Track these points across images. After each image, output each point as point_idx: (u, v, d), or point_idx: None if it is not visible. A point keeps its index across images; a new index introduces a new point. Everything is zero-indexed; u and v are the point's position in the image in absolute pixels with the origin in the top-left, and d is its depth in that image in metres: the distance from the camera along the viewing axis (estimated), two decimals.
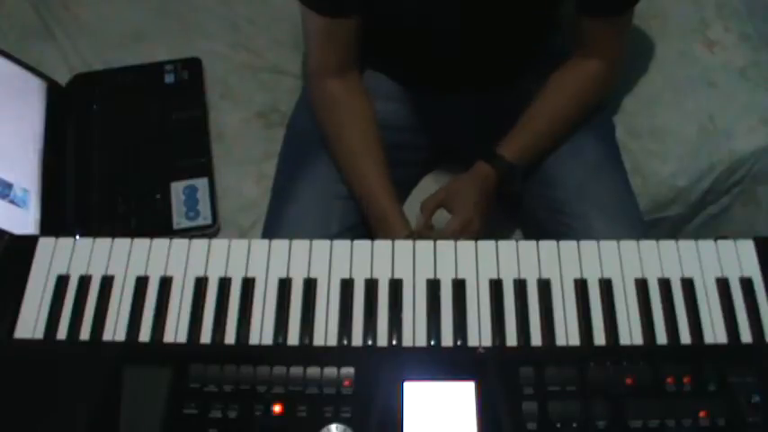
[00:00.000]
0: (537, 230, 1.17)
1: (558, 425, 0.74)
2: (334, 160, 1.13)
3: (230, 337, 0.80)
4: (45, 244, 0.86)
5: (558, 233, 1.10)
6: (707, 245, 0.85)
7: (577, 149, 1.14)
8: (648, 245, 0.85)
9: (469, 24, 1.06)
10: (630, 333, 0.80)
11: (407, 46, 1.13)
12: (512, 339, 0.80)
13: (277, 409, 0.75)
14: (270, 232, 1.13)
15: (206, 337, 0.80)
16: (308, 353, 0.79)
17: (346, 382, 0.76)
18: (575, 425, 0.74)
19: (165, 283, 0.83)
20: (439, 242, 0.86)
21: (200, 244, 0.86)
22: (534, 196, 1.15)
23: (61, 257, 0.85)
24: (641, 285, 0.83)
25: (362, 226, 1.13)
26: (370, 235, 1.12)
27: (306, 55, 1.16)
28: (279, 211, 1.14)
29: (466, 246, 0.85)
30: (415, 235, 1.07)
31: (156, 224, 1.20)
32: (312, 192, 1.12)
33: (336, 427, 0.74)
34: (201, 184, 1.23)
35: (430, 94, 1.19)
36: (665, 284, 0.83)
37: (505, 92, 1.19)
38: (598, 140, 1.17)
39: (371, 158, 1.11)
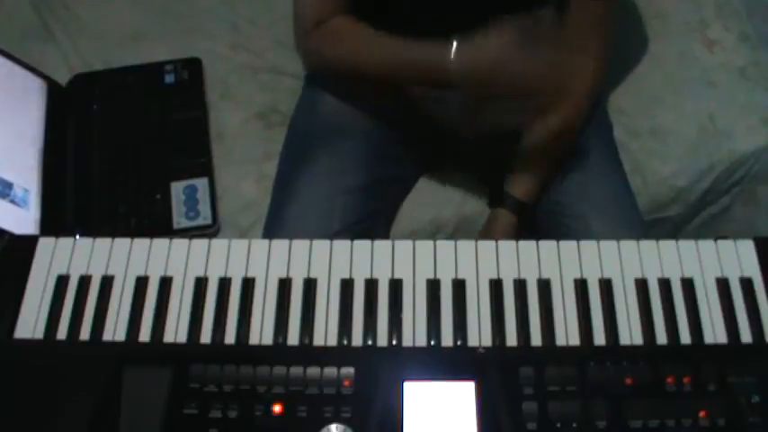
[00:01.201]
0: (536, 231, 1.17)
1: (558, 425, 0.74)
2: (361, 80, 1.09)
3: (230, 337, 0.80)
4: (45, 244, 0.86)
5: (557, 234, 1.10)
6: (707, 245, 0.85)
7: (576, 151, 1.14)
8: (648, 245, 0.85)
9: (468, 21, 1.06)
10: (630, 333, 0.80)
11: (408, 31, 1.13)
12: (512, 339, 0.80)
13: (277, 409, 0.75)
14: (271, 230, 1.13)
15: (206, 337, 0.80)
16: (308, 353, 0.79)
17: (346, 382, 0.76)
18: (575, 425, 0.74)
19: (165, 283, 0.83)
20: (439, 242, 0.86)
21: (200, 244, 0.86)
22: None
23: (61, 257, 0.85)
24: (641, 285, 0.83)
25: (365, 221, 1.13)
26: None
27: (296, 11, 1.14)
28: (280, 209, 1.14)
29: (466, 246, 0.85)
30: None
31: (156, 224, 1.20)
32: (313, 189, 1.12)
33: (336, 427, 0.74)
34: (201, 184, 1.23)
35: (430, 90, 1.18)
36: (665, 284, 0.83)
37: None
38: (597, 141, 1.17)
39: (397, 42, 1.04)
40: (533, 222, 1.14)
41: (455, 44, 0.97)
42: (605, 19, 1.09)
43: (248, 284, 0.83)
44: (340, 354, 0.79)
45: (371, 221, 1.15)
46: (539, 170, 1.12)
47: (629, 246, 0.85)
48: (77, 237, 0.87)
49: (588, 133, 1.16)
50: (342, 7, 1.10)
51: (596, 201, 1.11)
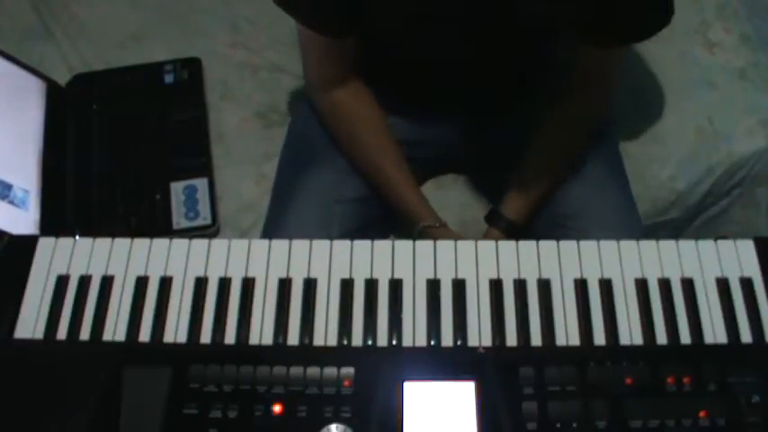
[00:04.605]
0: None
1: (558, 425, 0.74)
2: (351, 163, 1.14)
3: (230, 337, 0.80)
4: (45, 244, 0.86)
5: None
6: (707, 245, 0.85)
7: (580, 166, 1.13)
8: (648, 245, 0.85)
9: (469, 55, 1.06)
10: (630, 333, 0.80)
11: (407, 75, 1.13)
12: (512, 339, 0.80)
13: (277, 409, 0.75)
14: (269, 236, 1.13)
15: (206, 337, 0.80)
16: (308, 353, 0.79)
17: (346, 382, 0.76)
18: (575, 425, 0.74)
19: (165, 283, 0.83)
20: (439, 242, 0.86)
21: (200, 244, 0.86)
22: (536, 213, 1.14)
23: (61, 257, 0.85)
24: (641, 285, 0.83)
25: (363, 230, 1.13)
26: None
27: (303, 67, 1.15)
28: (279, 215, 1.14)
29: (466, 246, 0.85)
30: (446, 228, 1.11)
31: (156, 224, 1.20)
32: (312, 196, 1.12)
33: (336, 427, 0.74)
34: (201, 184, 1.23)
35: (429, 112, 1.18)
36: (665, 284, 0.83)
37: (506, 112, 1.19)
38: (600, 154, 1.15)
39: (389, 158, 1.11)
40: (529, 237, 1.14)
41: (421, 227, 1.09)
42: (615, 64, 1.08)
43: (248, 284, 0.83)
44: (340, 354, 0.79)
45: (370, 229, 1.15)
46: (535, 190, 1.11)
47: (629, 246, 0.85)
48: (77, 237, 0.86)
49: (593, 147, 1.14)
50: (346, 70, 1.10)
51: (599, 216, 1.10)
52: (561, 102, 1.10)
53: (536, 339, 0.80)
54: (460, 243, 0.85)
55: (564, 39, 1.08)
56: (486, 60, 1.06)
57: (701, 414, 0.74)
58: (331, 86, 1.11)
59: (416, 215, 1.11)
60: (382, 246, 0.85)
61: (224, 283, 0.83)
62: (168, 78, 1.33)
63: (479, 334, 0.80)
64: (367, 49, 1.08)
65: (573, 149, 1.12)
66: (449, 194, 1.25)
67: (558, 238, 1.08)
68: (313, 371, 0.77)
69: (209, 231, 1.20)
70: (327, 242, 0.86)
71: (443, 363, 0.78)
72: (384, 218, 1.19)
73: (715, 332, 0.80)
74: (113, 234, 0.87)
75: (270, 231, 1.14)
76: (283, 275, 0.84)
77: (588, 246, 0.85)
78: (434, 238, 1.08)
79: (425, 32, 1.02)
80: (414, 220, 1.11)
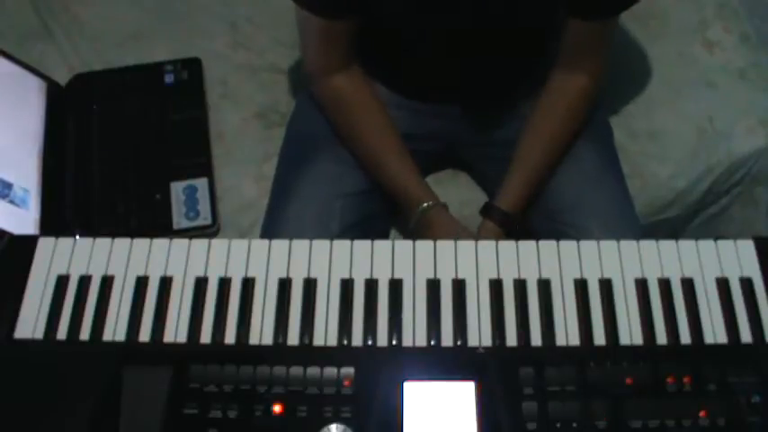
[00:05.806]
0: (534, 239, 1.16)
1: (558, 425, 0.74)
2: (351, 153, 1.14)
3: (230, 337, 0.80)
4: (45, 244, 0.86)
5: None
6: (707, 245, 0.85)
7: (575, 159, 1.13)
8: (648, 245, 0.85)
9: (468, 52, 1.06)
10: (630, 333, 0.80)
11: (405, 63, 1.13)
12: (512, 339, 0.80)
13: (277, 409, 0.75)
14: (269, 231, 1.13)
15: (206, 337, 0.80)
16: (308, 353, 0.79)
17: (346, 382, 0.76)
18: (575, 425, 0.74)
19: (165, 283, 0.83)
20: (439, 242, 0.86)
21: (200, 244, 0.86)
22: (531, 205, 1.14)
23: (61, 257, 0.85)
24: (641, 285, 0.83)
25: (363, 224, 1.13)
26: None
27: (303, 55, 1.15)
28: (279, 210, 1.14)
29: (466, 246, 0.85)
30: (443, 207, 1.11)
31: (156, 224, 1.20)
32: (312, 191, 1.13)
33: (336, 427, 0.74)
34: (201, 184, 1.23)
35: (428, 104, 1.19)
36: (665, 284, 0.83)
37: (504, 102, 1.19)
38: (596, 149, 1.16)
39: (389, 143, 1.12)
40: (524, 232, 1.14)
41: (422, 208, 1.09)
42: (602, 37, 1.08)
43: (248, 284, 0.83)
44: (340, 354, 0.79)
45: (370, 223, 1.15)
46: (527, 180, 1.11)
47: (629, 246, 0.85)
48: (77, 237, 0.86)
49: (588, 142, 1.14)
50: (346, 56, 1.10)
51: (595, 211, 1.10)
52: (550, 84, 1.11)
53: (536, 339, 0.80)
54: (460, 243, 0.85)
55: (558, 28, 1.08)
56: (484, 46, 1.06)
57: (701, 414, 0.74)
58: (331, 73, 1.11)
59: (417, 197, 1.10)
60: (382, 246, 0.85)
61: (224, 283, 0.83)
62: (168, 78, 1.34)
63: (479, 334, 0.80)
64: (365, 36, 1.08)
65: (563, 134, 1.12)
66: (448, 190, 1.25)
67: (553, 232, 1.10)
68: (313, 371, 0.77)
69: (209, 231, 1.20)
70: (327, 242, 0.86)
71: (443, 363, 0.78)
72: (384, 211, 1.19)
73: (715, 332, 0.80)
74: (113, 234, 0.87)
75: (269, 226, 1.14)
76: (283, 275, 0.84)
77: (588, 246, 0.85)
78: (435, 221, 1.08)
79: (422, 10, 1.02)
80: (414, 202, 1.10)
